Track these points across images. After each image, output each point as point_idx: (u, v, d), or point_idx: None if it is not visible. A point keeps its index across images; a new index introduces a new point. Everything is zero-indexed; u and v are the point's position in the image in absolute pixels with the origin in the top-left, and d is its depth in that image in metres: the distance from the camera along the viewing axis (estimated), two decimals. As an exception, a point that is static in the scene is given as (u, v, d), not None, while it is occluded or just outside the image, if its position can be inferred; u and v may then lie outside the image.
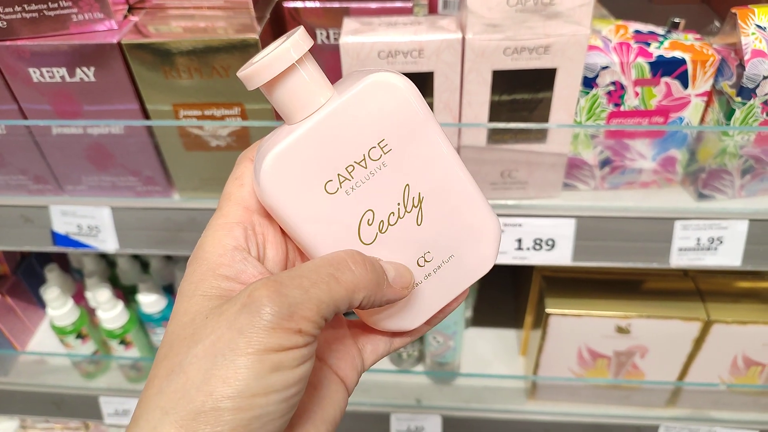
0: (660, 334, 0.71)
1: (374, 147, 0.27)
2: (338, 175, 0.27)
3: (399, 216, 0.28)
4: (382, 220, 0.28)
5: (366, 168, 0.27)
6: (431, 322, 0.32)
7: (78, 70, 0.53)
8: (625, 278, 0.75)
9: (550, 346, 0.75)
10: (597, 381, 0.78)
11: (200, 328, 0.24)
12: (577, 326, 0.72)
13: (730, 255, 0.59)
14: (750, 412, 0.79)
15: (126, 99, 0.54)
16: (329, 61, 0.59)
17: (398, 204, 0.28)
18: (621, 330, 0.72)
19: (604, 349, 0.74)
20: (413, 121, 0.27)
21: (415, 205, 0.29)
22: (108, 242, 0.63)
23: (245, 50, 0.51)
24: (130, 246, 0.63)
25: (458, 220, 0.30)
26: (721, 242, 0.58)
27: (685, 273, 0.76)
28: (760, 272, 0.75)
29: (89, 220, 0.62)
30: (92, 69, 0.52)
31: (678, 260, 0.60)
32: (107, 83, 0.53)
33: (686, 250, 0.59)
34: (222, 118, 0.55)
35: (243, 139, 0.56)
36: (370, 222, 0.28)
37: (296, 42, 0.25)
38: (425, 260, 0.30)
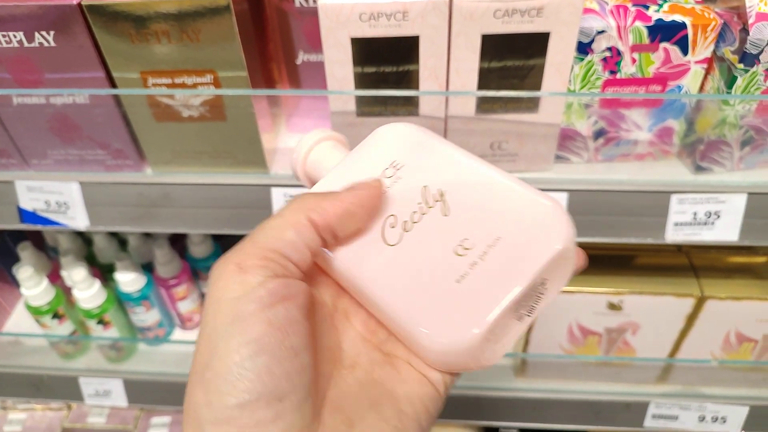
0: (652, 311, 0.70)
1: (387, 168, 0.32)
2: None
3: (422, 212, 0.29)
4: (405, 221, 0.30)
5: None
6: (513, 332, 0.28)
7: (36, 35, 0.49)
8: (617, 254, 0.73)
9: (540, 323, 0.73)
10: (587, 358, 0.77)
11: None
12: (567, 303, 0.70)
13: (727, 230, 0.57)
14: (740, 388, 0.78)
15: (90, 66, 0.51)
16: (309, 27, 0.55)
17: (419, 203, 0.30)
18: (613, 306, 0.70)
19: (595, 326, 0.73)
20: (416, 139, 0.33)
21: (437, 199, 0.30)
22: (78, 219, 0.60)
23: (217, 13, 0.47)
24: (101, 223, 0.60)
25: (492, 204, 0.29)
26: (719, 216, 0.56)
27: (678, 248, 0.74)
28: (755, 247, 0.73)
29: (57, 196, 0.59)
30: (51, 33, 0.49)
31: (674, 235, 0.58)
32: (69, 49, 0.50)
33: (682, 225, 0.57)
34: (194, 86, 0.52)
35: (217, 109, 0.53)
36: (393, 225, 0.29)
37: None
38: (464, 248, 0.28)
